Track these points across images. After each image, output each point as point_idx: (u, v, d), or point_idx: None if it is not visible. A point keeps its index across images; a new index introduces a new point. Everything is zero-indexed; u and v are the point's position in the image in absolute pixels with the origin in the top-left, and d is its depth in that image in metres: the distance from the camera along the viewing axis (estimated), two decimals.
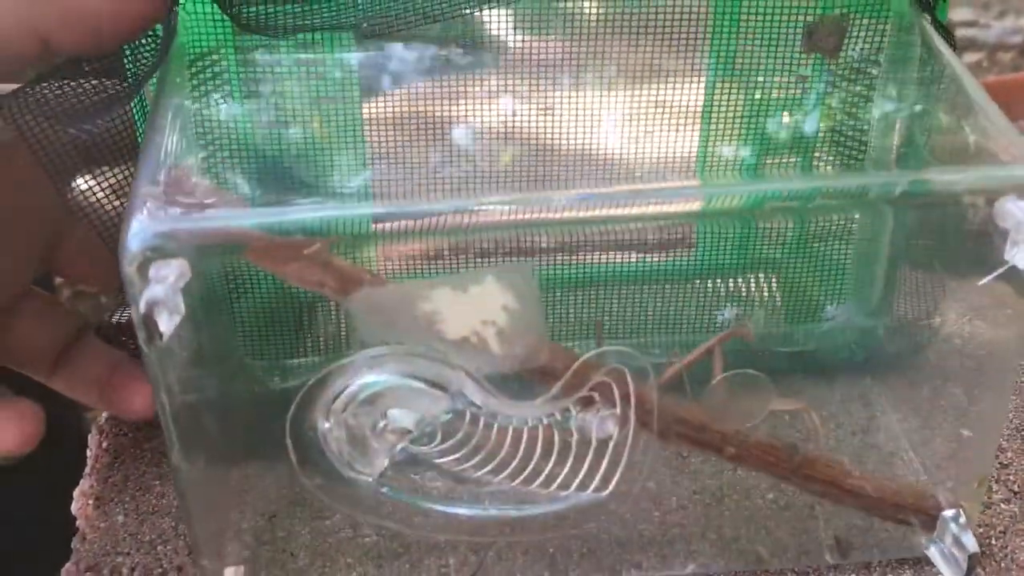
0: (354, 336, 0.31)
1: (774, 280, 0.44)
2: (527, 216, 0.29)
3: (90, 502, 0.40)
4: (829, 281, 0.43)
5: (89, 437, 0.43)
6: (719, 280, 0.44)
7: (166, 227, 0.27)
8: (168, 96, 0.32)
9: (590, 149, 0.40)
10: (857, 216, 0.42)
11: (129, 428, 0.43)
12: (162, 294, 0.27)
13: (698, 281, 0.44)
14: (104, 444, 0.42)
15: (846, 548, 0.37)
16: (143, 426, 0.43)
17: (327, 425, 0.32)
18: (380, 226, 0.29)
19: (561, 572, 0.36)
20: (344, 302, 0.31)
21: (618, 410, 0.32)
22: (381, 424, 0.32)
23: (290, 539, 0.37)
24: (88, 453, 0.42)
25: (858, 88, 0.39)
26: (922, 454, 0.39)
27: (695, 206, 0.31)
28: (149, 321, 0.27)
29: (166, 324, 0.27)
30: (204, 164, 0.37)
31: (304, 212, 0.29)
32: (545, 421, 0.33)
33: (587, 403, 0.33)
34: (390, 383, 0.31)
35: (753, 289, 0.44)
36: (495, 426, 0.32)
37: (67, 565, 0.37)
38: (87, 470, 0.41)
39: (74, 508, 0.40)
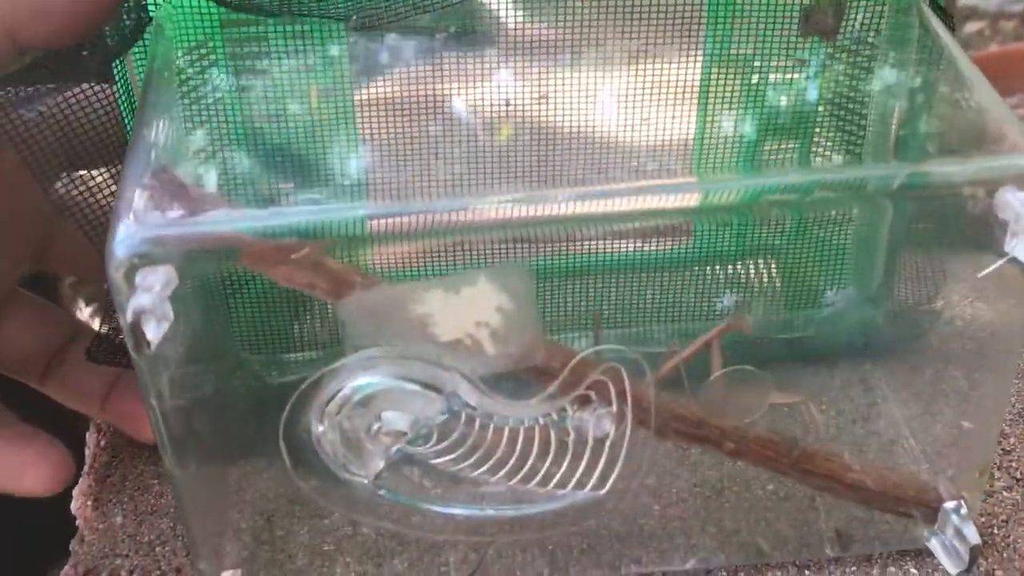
0: (347, 338, 0.31)
1: (773, 266, 0.44)
2: (524, 213, 0.29)
3: (89, 502, 0.40)
4: (829, 266, 0.42)
5: (87, 436, 0.43)
6: (718, 267, 0.43)
7: (153, 233, 0.26)
8: (156, 92, 0.32)
9: (586, 134, 0.39)
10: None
11: None
12: (149, 303, 0.26)
13: (696, 268, 0.43)
14: (102, 443, 0.42)
15: (847, 541, 0.36)
16: None
17: (321, 428, 0.31)
18: (375, 223, 0.29)
19: (561, 569, 0.36)
20: (336, 304, 0.31)
21: (615, 408, 0.32)
22: (375, 427, 0.32)
23: (288, 539, 0.37)
24: (86, 452, 0.42)
25: (856, 71, 0.38)
26: (923, 441, 0.39)
27: (692, 202, 0.30)
28: (136, 330, 0.26)
29: (154, 332, 0.27)
30: (194, 160, 0.36)
31: (295, 215, 0.28)
32: (541, 421, 0.32)
33: (584, 402, 0.32)
34: (384, 385, 0.31)
35: (752, 276, 0.44)
36: (491, 426, 0.32)
37: (65, 568, 0.37)
38: (85, 469, 0.41)
39: (73, 507, 0.40)
